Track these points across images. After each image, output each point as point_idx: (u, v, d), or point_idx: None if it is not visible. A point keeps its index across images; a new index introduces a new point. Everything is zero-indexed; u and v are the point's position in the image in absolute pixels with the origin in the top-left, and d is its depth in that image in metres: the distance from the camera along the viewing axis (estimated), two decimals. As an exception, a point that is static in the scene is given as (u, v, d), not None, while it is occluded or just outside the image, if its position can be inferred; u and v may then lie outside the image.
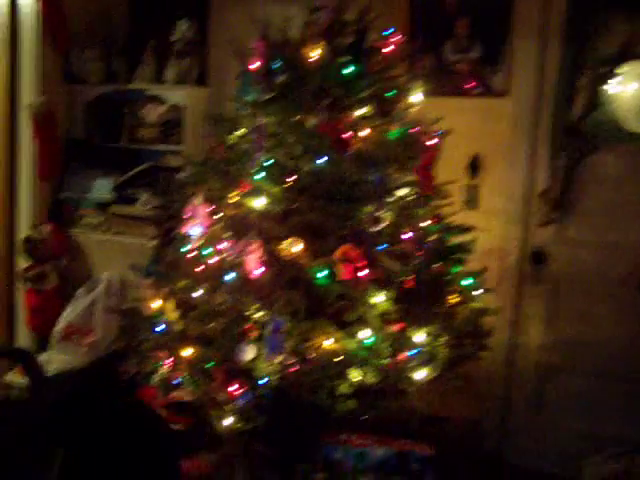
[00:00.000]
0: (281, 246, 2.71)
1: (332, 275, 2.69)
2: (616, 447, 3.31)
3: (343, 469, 2.99)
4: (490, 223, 3.67)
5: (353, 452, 3.01)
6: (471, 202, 3.73)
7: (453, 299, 2.94)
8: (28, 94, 3.98)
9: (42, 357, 3.88)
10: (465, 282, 2.98)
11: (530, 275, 3.71)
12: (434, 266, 2.90)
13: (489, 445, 3.83)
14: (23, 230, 4.09)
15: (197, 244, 2.93)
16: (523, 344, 3.77)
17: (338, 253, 2.66)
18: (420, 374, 2.80)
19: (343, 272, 2.66)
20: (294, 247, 2.69)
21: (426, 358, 2.80)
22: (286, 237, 2.71)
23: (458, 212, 3.15)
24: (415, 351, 2.74)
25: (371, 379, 2.67)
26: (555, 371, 3.75)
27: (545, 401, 3.79)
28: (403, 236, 2.79)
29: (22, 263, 4.02)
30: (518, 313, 3.76)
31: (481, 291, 3.05)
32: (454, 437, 3.66)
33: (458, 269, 3.00)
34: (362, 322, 2.70)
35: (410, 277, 2.74)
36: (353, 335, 2.68)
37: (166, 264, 3.20)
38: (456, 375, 2.94)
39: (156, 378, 2.99)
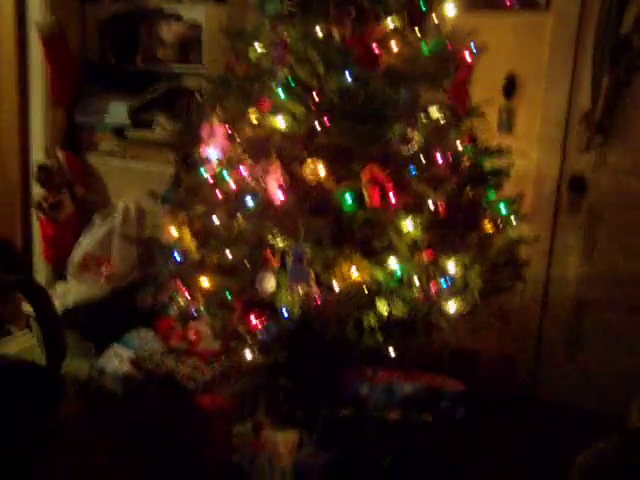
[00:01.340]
0: (304, 169, 2.53)
1: (359, 200, 2.51)
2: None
3: (369, 405, 2.85)
4: (526, 148, 3.44)
5: (380, 388, 2.87)
6: (506, 125, 3.49)
7: (488, 227, 2.74)
8: (37, 13, 3.76)
9: (59, 288, 3.76)
10: (501, 209, 2.77)
11: (568, 204, 3.49)
12: (468, 191, 2.70)
13: (522, 382, 3.67)
14: (37, 157, 3.92)
15: (215, 168, 2.76)
16: (559, 277, 3.57)
17: (365, 175, 2.48)
18: (452, 306, 2.63)
19: (371, 196, 2.48)
20: (318, 170, 2.50)
21: (458, 289, 2.62)
22: (310, 160, 2.52)
23: (492, 136, 2.93)
24: (447, 282, 2.57)
25: (400, 311, 2.51)
26: (593, 306, 3.56)
27: (582, 337, 3.61)
28: (435, 159, 2.58)
29: (37, 192, 3.87)
30: (554, 244, 3.55)
31: (517, 219, 2.85)
32: (486, 373, 3.53)
33: (493, 195, 2.81)
34: (391, 250, 2.52)
35: (442, 203, 2.54)
36: (381, 264, 2.52)
37: (184, 190, 3.03)
38: (490, 308, 2.77)
39: (174, 309, 2.85)
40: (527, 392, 3.69)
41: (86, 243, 3.80)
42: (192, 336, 3.04)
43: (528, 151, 3.45)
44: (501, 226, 2.79)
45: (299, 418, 2.88)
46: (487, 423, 3.23)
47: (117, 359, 3.36)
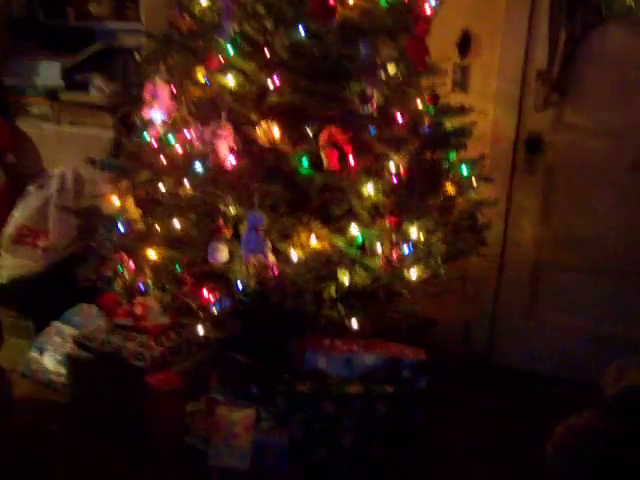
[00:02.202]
0: (257, 131, 2.36)
1: (316, 164, 2.35)
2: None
3: (328, 378, 2.73)
4: (482, 107, 3.31)
5: (339, 359, 2.75)
6: (461, 84, 3.36)
7: (449, 189, 2.62)
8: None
9: (-8, 262, 3.53)
10: (462, 170, 2.66)
11: (524, 164, 3.39)
12: (429, 153, 2.57)
13: (479, 348, 3.60)
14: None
15: (159, 131, 2.56)
16: (516, 239, 3.49)
17: (323, 138, 2.32)
18: (414, 273, 2.51)
19: (329, 159, 2.33)
20: (272, 132, 2.33)
21: (421, 255, 2.50)
22: (263, 121, 2.35)
23: (447, 95, 2.79)
24: (410, 248, 2.44)
25: (362, 280, 2.38)
26: (550, 268, 3.49)
27: (539, 300, 3.55)
28: (395, 118, 2.44)
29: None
30: (511, 206, 3.46)
31: (478, 181, 2.74)
32: (443, 341, 3.44)
33: (454, 156, 2.68)
34: (351, 216, 2.38)
35: (404, 165, 2.40)
36: (341, 231, 2.37)
37: (125, 156, 2.83)
38: (451, 274, 2.66)
39: (118, 284, 2.67)
40: (484, 359, 3.62)
41: (20, 214, 3.57)
42: (139, 311, 2.86)
43: (484, 110, 3.32)
44: (462, 188, 2.66)
45: (255, 394, 2.75)
46: (447, 392, 3.15)
47: (59, 337, 3.17)
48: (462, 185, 2.66)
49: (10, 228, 3.54)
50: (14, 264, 3.52)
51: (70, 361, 2.95)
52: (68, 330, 3.17)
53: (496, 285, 3.57)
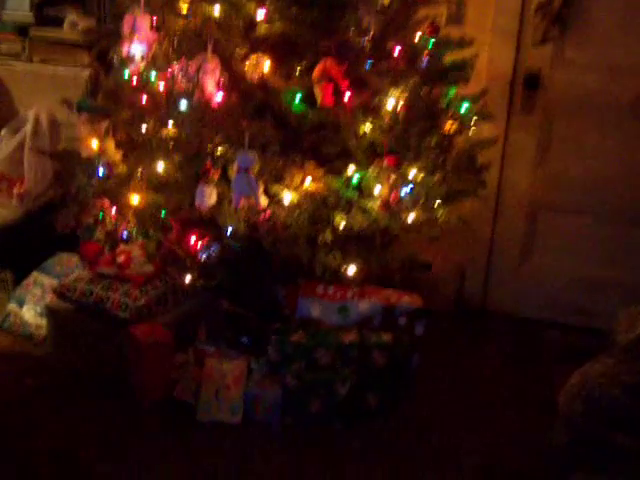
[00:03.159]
0: (246, 65, 2.19)
1: (309, 99, 2.20)
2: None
3: (322, 326, 2.62)
4: (477, 42, 3.15)
5: (333, 307, 2.64)
6: (456, 17, 3.18)
7: (448, 128, 2.48)
8: None
9: (-35, 211, 3.35)
10: (462, 108, 2.51)
11: (522, 102, 3.25)
12: (428, 88, 2.42)
13: (473, 293, 3.50)
14: None
15: (140, 67, 2.39)
16: (512, 181, 3.36)
17: (317, 71, 2.18)
18: (412, 216, 2.39)
19: (323, 95, 2.19)
20: (262, 66, 2.17)
21: (419, 197, 2.38)
22: (251, 54, 2.19)
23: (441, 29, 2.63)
24: (408, 189, 2.31)
25: (358, 224, 2.25)
26: (546, 211, 3.38)
27: (534, 243, 3.44)
28: (393, 51, 2.29)
29: None
30: (506, 146, 3.32)
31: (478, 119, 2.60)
32: (437, 286, 3.34)
33: (454, 92, 2.53)
34: (347, 157, 2.24)
35: (402, 101, 2.26)
36: (337, 172, 2.24)
37: (104, 95, 2.66)
38: (450, 216, 2.54)
39: (99, 232, 2.52)
40: (478, 304, 3.52)
41: (-7, 160, 3.38)
42: (122, 260, 2.71)
43: (480, 45, 3.15)
44: (462, 126, 2.52)
45: (246, 344, 2.64)
46: (441, 339, 3.06)
47: (38, 289, 3.02)
48: (461, 123, 2.51)
49: (-17, 175, 3.36)
50: (-12, 213, 3.35)
51: (50, 313, 2.82)
52: (48, 281, 3.03)
53: (491, 228, 3.45)
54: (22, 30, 3.40)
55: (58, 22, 3.32)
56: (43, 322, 2.91)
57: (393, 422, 2.57)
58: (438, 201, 2.46)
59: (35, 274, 3.08)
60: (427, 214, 2.46)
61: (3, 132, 3.39)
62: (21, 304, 3.02)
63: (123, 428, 2.47)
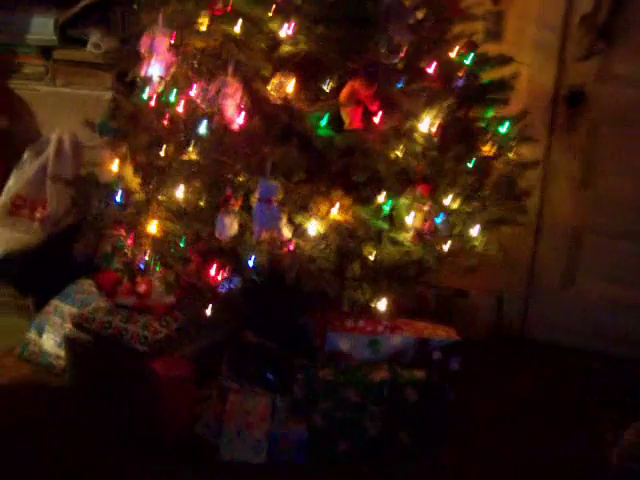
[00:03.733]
0: (268, 87, 2.06)
1: (336, 123, 2.05)
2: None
3: (351, 361, 2.46)
4: (517, 58, 2.98)
5: (363, 341, 2.48)
6: (494, 32, 3.01)
7: (486, 151, 2.32)
8: None
9: (-13, 236, 3.26)
10: (500, 129, 2.35)
11: (565, 121, 3.08)
12: (464, 110, 2.26)
13: (512, 321, 3.32)
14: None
15: (158, 89, 2.27)
16: (554, 203, 3.19)
17: (344, 93, 2.03)
18: (448, 246, 2.23)
19: (351, 118, 2.04)
20: (285, 87, 2.04)
21: (455, 226, 2.22)
22: (274, 74, 2.05)
23: (479, 45, 2.47)
24: (443, 218, 2.15)
25: (390, 256, 2.09)
26: (590, 234, 3.20)
27: (578, 268, 3.25)
28: (426, 70, 2.13)
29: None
30: (548, 167, 3.15)
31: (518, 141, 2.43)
32: (474, 314, 3.17)
33: (492, 113, 2.37)
34: (377, 184, 2.09)
35: (436, 124, 2.10)
36: (366, 201, 2.08)
37: (123, 118, 2.54)
38: (489, 245, 2.37)
39: (117, 260, 2.40)
40: (517, 332, 3.34)
41: (14, 184, 3.29)
42: (142, 289, 2.59)
43: (520, 61, 2.99)
44: (501, 149, 2.36)
45: (271, 381, 2.48)
46: (478, 370, 2.87)
47: (58, 317, 2.91)
48: (500, 146, 2.34)
49: (4, 198, 3.27)
50: (9, 237, 3.25)
51: (69, 343, 2.71)
52: (68, 309, 2.92)
53: (531, 253, 3.28)
54: (46, 52, 3.31)
55: (82, 43, 3.22)
56: (62, 352, 2.80)
57: (426, 464, 2.41)
58: (476, 229, 2.29)
59: (55, 302, 2.97)
60: (463, 243, 2.30)
61: (26, 155, 3.30)
62: (41, 333, 2.91)
63: (141, 465, 2.34)
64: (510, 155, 2.38)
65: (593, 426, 2.60)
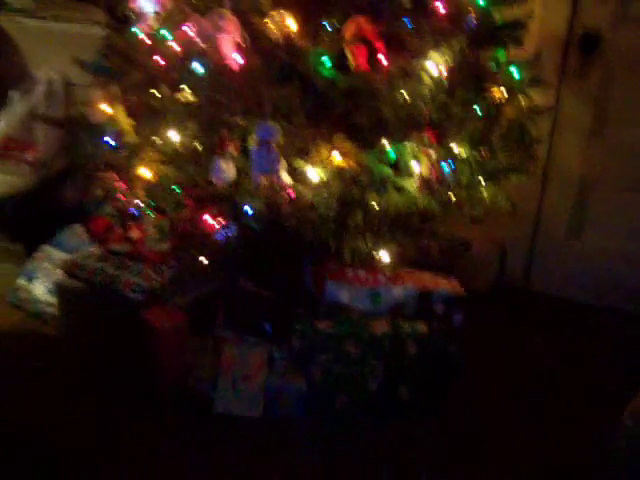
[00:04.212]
0: (268, 23, 1.93)
1: (340, 63, 1.93)
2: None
3: (351, 313, 2.38)
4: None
5: (363, 292, 2.40)
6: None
7: (497, 95, 2.20)
8: None
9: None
10: (513, 73, 2.22)
11: (577, 67, 2.94)
12: (475, 51, 2.14)
13: (516, 273, 3.24)
14: None
15: (152, 25, 2.14)
16: (563, 154, 3.08)
17: (349, 30, 1.90)
18: (455, 195, 2.13)
19: (356, 57, 1.92)
20: (287, 24, 1.91)
21: (463, 174, 2.11)
22: (275, 10, 1.93)
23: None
24: (451, 166, 2.05)
25: (394, 205, 1.99)
26: (599, 186, 3.09)
27: (584, 221, 3.15)
28: (436, 8, 2.00)
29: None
30: (558, 114, 3.03)
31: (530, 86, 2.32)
32: (477, 266, 3.08)
33: (504, 56, 2.25)
34: (382, 129, 1.98)
35: (446, 65, 1.98)
36: (370, 147, 1.97)
37: (115, 56, 2.41)
38: (497, 195, 2.27)
39: (109, 206, 2.30)
40: (520, 285, 3.26)
41: (5, 125, 3.17)
42: (135, 236, 2.49)
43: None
44: (512, 93, 2.24)
45: (268, 331, 2.41)
46: (480, 323, 2.79)
47: (49, 263, 2.82)
48: (512, 90, 2.23)
49: (-6, 140, 3.15)
50: (1, 180, 3.14)
51: (60, 291, 2.62)
52: (59, 255, 2.83)
53: (537, 204, 3.17)
54: (33, -18, 3.16)
55: (71, -26, 3.08)
56: (53, 299, 2.71)
57: (426, 419, 2.33)
58: (484, 179, 2.18)
59: (46, 247, 2.88)
60: (470, 193, 2.20)
61: (15, 94, 3.17)
62: (31, 279, 2.82)
63: (133, 416, 2.27)
64: (521, 100, 2.26)
65: (601, 384, 2.53)
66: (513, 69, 2.23)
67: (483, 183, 2.21)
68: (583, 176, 3.10)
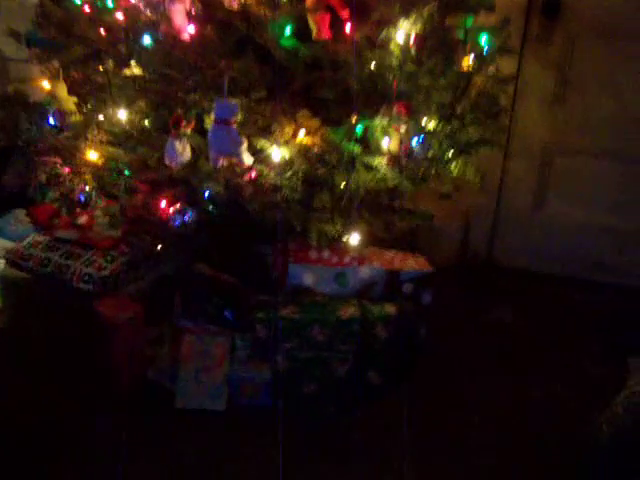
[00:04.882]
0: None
1: (302, 32, 1.79)
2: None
3: (316, 297, 2.27)
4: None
5: (329, 274, 2.29)
6: None
7: (466, 64, 2.08)
8: None
9: None
10: (482, 41, 2.11)
11: (539, 31, 2.85)
12: (442, 18, 2.01)
13: (479, 246, 3.17)
14: None
15: (94, -7, 1.97)
16: (524, 120, 2.99)
17: (310, -3, 1.75)
18: (423, 170, 2.02)
19: (319, 26, 1.79)
20: (242, -10, 1.76)
21: (432, 148, 2.00)
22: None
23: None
24: (420, 141, 1.93)
25: (363, 184, 1.86)
26: (561, 154, 3.02)
27: (547, 190, 3.08)
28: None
29: None
30: (520, 82, 2.94)
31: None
32: (438, 237, 3.00)
33: (471, 22, 2.13)
34: (347, 103, 1.85)
35: (415, 33, 1.85)
36: (336, 123, 1.84)
37: (54, 27, 2.22)
38: (465, 169, 2.16)
39: (54, 192, 2.13)
40: (483, 258, 3.20)
41: None
42: (83, 221, 2.33)
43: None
44: (481, 62, 2.12)
45: (228, 318, 2.27)
46: (445, 300, 2.69)
47: (-11, 253, 2.63)
48: (480, 59, 2.11)
49: None
50: None
51: (2, 282, 2.44)
52: (1, 243, 2.64)
53: (500, 174, 3.09)
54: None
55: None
56: (-4, 292, 2.54)
57: (396, 404, 2.23)
58: (451, 152, 2.08)
59: (-14, 234, 2.69)
60: (439, 168, 2.09)
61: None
62: (-29, 270, 2.64)
63: (88, 416, 2.12)
64: (491, 69, 2.15)
65: (569, 354, 2.47)
66: (483, 36, 2.11)
67: (452, 157, 2.09)
68: (546, 145, 3.03)
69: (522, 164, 3.07)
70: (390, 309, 2.26)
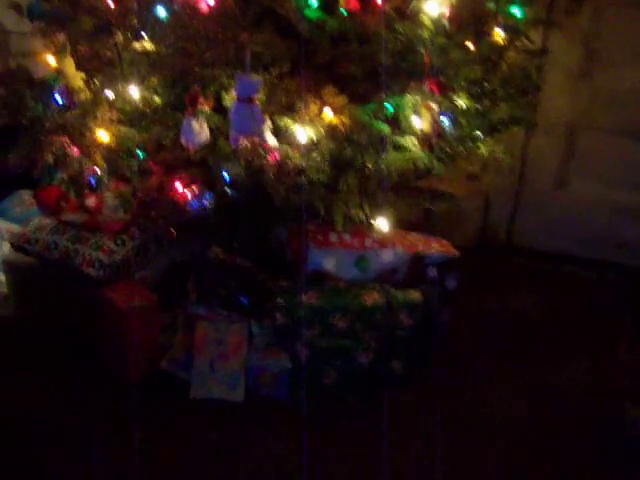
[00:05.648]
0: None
1: (328, 3, 1.66)
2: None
3: (337, 283, 2.16)
4: None
5: (350, 258, 2.18)
6: None
7: (498, 38, 1.97)
8: None
9: None
10: (515, 13, 1.99)
11: (566, 3, 2.71)
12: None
13: (500, 226, 3.07)
14: None
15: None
16: (549, 98, 2.86)
17: (339, -34, 1.63)
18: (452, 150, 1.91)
19: (347, -1, 1.65)
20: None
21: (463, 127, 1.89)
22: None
23: None
24: (452, 118, 1.82)
25: (393, 164, 1.75)
26: (588, 130, 2.90)
27: (571, 170, 2.97)
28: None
29: None
30: (545, 57, 2.80)
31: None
32: (458, 218, 2.89)
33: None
34: (376, 79, 1.73)
35: (447, 5, 1.73)
36: (364, 100, 1.72)
37: (60, -1, 2.09)
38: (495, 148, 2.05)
39: (62, 174, 2.02)
40: (504, 238, 3.09)
41: None
42: (92, 204, 2.22)
43: None
44: (513, 36, 2.01)
45: (244, 304, 2.17)
46: (466, 282, 2.58)
47: (-3, 236, 2.54)
48: (514, 32, 1.99)
49: None
50: None
51: (8, 268, 2.34)
52: (6, 225, 2.55)
53: (521, 153, 2.97)
54: None
55: None
56: (2, 276, 2.44)
57: (419, 392, 2.15)
58: (483, 131, 1.96)
59: (-7, 217, 2.59)
60: (468, 147, 1.98)
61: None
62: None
63: (100, 410, 2.03)
64: (523, 42, 2.03)
65: (597, 344, 2.38)
66: (515, 9, 1.99)
67: (482, 136, 1.98)
68: (570, 121, 2.91)
69: (545, 142, 2.95)
70: (415, 295, 2.17)
